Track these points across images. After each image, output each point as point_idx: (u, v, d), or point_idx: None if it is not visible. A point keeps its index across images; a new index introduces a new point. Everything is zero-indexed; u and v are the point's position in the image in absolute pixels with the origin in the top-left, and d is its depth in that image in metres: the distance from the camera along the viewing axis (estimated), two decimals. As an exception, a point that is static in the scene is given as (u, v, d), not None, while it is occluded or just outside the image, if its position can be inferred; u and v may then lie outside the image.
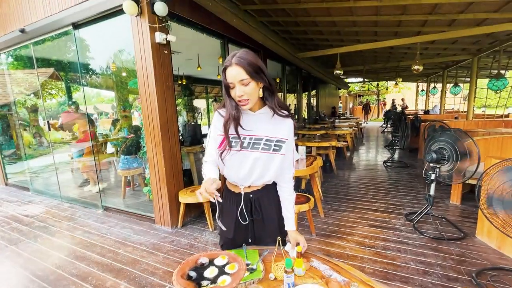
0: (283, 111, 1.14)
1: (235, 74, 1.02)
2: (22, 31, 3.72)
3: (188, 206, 3.12)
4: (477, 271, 2.06)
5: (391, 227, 2.88)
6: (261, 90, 1.09)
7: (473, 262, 2.20)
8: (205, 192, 0.97)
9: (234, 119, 1.09)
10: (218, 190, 1.01)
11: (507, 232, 1.88)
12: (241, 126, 1.10)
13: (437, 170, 2.74)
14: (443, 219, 2.95)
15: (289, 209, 1.25)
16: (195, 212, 3.37)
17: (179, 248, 2.63)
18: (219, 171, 1.22)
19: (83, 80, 3.80)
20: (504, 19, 4.01)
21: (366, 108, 17.65)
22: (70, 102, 4.94)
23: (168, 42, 2.89)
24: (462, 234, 2.61)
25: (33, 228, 3.26)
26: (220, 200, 1.04)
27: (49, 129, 4.54)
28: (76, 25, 3.30)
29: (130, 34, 2.84)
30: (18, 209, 3.98)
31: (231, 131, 1.12)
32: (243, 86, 1.03)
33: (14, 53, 4.70)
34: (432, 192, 2.83)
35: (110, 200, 3.97)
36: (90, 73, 4.64)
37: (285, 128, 1.15)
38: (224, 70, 1.05)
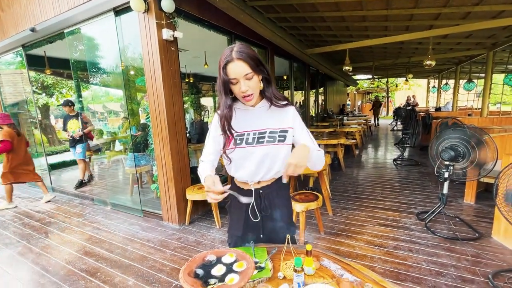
0: (280, 101, 1.12)
1: (239, 69, 0.99)
2: (33, 30, 3.78)
3: (195, 203, 3.12)
4: (493, 272, 1.98)
5: (402, 226, 2.81)
6: (261, 82, 1.09)
7: (489, 263, 2.12)
8: (213, 194, 0.95)
9: (226, 118, 1.07)
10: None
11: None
12: (231, 127, 1.08)
13: (451, 168, 2.65)
14: (457, 219, 2.85)
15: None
16: (202, 210, 3.36)
17: (186, 245, 2.63)
18: (223, 170, 1.21)
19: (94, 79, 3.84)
20: (522, 11, 3.84)
21: (376, 109, 13.90)
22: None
23: (175, 39, 2.88)
24: (477, 234, 2.52)
25: (44, 224, 3.32)
26: (229, 191, 1.02)
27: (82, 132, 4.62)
28: (119, 13, 3.03)
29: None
30: (30, 205, 4.07)
31: (228, 129, 1.10)
32: (247, 80, 1.01)
33: (24, 51, 4.76)
34: (445, 190, 2.74)
35: (118, 197, 4.01)
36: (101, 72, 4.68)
37: (287, 116, 1.13)
38: (225, 66, 1.00)
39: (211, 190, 0.95)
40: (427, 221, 2.81)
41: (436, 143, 2.73)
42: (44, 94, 10.41)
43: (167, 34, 2.72)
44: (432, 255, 2.27)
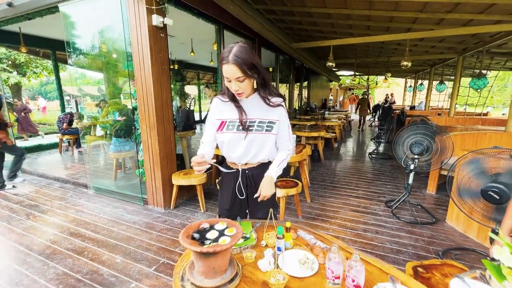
0: (273, 101, 1.25)
1: (231, 72, 1.10)
2: (10, 5, 3.58)
3: (180, 189, 3.22)
4: (443, 250, 2.30)
5: (371, 212, 3.10)
6: (255, 82, 1.21)
7: (441, 243, 2.45)
8: (196, 165, 1.13)
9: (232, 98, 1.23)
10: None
11: (473, 217, 2.10)
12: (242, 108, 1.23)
13: (416, 160, 2.95)
14: (419, 206, 3.20)
15: (276, 161, 1.33)
16: (187, 195, 3.47)
17: (172, 227, 2.75)
18: (219, 151, 1.36)
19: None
20: (489, 20, 4.21)
21: (362, 109, 10.85)
22: None
23: (165, 26, 2.90)
24: (434, 219, 2.87)
25: (23, 207, 3.28)
26: (213, 162, 1.20)
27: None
28: None
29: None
30: (5, 187, 3.95)
31: (230, 115, 1.23)
32: (239, 82, 1.13)
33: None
34: (410, 181, 3.05)
35: (101, 181, 4.00)
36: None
37: (276, 112, 1.27)
38: (222, 64, 1.12)
39: (195, 161, 1.13)
40: (393, 208, 3.13)
41: (403, 137, 3.01)
42: (15, 72, 9.77)
43: (157, 20, 2.73)
44: (395, 236, 2.57)
